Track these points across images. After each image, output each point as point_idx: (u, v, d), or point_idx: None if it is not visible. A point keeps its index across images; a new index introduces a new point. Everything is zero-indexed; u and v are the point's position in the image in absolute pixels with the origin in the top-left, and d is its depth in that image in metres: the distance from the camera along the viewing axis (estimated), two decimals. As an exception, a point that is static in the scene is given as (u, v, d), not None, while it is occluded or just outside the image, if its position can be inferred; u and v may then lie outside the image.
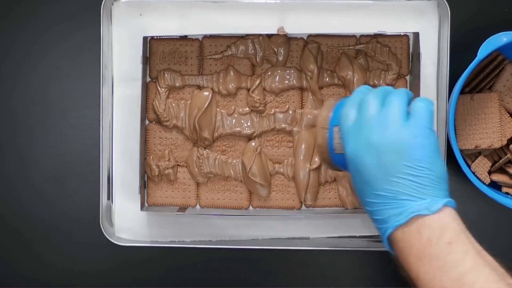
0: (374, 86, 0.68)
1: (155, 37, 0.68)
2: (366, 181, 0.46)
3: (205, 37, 0.68)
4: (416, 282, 0.44)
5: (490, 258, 0.45)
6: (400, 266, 0.46)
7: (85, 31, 0.70)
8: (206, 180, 0.68)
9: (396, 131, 0.45)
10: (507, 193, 0.67)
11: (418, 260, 0.44)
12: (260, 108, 0.67)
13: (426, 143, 0.45)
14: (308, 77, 0.67)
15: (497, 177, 0.67)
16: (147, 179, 0.69)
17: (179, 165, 0.68)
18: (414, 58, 0.67)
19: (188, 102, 0.67)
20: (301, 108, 0.68)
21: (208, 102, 0.67)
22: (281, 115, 0.68)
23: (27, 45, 0.71)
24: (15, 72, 0.71)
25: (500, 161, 0.67)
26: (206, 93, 0.67)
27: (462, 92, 0.68)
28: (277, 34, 0.67)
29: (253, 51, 0.68)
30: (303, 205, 0.69)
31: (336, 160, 0.51)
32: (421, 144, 0.45)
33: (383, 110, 0.46)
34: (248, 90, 0.68)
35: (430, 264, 0.43)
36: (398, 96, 0.47)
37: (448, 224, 0.45)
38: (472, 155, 0.69)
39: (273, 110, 0.68)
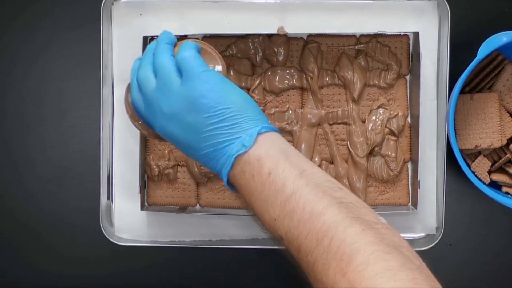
0: (374, 86, 0.68)
1: (155, 37, 0.68)
2: (186, 147, 0.47)
3: (205, 37, 0.68)
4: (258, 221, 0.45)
5: (317, 176, 0.44)
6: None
7: (85, 31, 0.70)
8: (206, 179, 0.68)
9: (177, 94, 0.46)
10: (507, 193, 0.67)
11: (251, 198, 0.45)
12: (260, 107, 0.67)
13: (206, 87, 0.46)
14: (308, 77, 0.67)
15: (497, 177, 0.67)
16: (147, 179, 0.69)
17: (179, 165, 0.68)
18: (414, 58, 0.67)
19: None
20: (301, 108, 0.68)
21: None
22: (281, 115, 0.68)
23: (27, 45, 0.71)
24: (15, 72, 0.71)
25: (500, 161, 0.67)
26: None
27: (462, 92, 0.68)
28: (277, 34, 0.67)
29: (253, 51, 0.68)
30: (303, 205, 0.69)
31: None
32: (202, 91, 0.45)
33: (157, 81, 0.48)
34: (248, 90, 0.68)
35: (259, 199, 0.44)
36: (163, 58, 0.48)
37: (265, 153, 0.45)
38: (472, 155, 0.69)
39: (273, 110, 0.68)
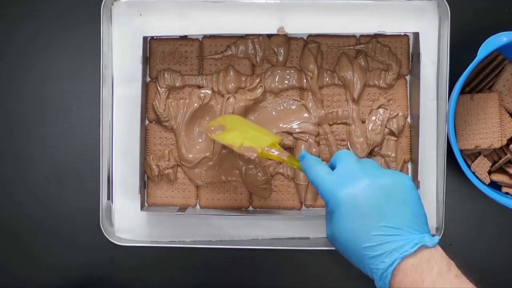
0: (374, 86, 0.68)
1: (155, 37, 0.68)
2: (370, 214, 0.47)
3: (205, 37, 0.68)
4: None
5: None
6: None
7: (85, 31, 0.70)
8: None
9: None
10: (507, 193, 0.67)
11: None
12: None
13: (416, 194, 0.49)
14: (308, 77, 0.67)
15: (497, 177, 0.67)
16: (147, 179, 0.69)
17: (179, 165, 0.68)
18: (414, 58, 0.67)
19: (187, 101, 0.67)
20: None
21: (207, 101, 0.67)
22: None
23: (27, 45, 0.71)
24: (15, 72, 0.71)
25: (500, 161, 0.67)
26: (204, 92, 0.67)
27: (462, 92, 0.68)
28: (277, 34, 0.67)
29: (253, 51, 0.68)
30: (303, 205, 0.69)
31: None
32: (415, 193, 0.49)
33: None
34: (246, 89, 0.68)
35: None
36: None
37: (448, 258, 0.47)
38: (472, 155, 0.69)
39: (273, 112, 0.68)
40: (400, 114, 0.67)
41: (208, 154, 0.67)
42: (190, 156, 0.67)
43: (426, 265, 0.45)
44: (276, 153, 0.57)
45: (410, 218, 0.47)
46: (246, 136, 0.60)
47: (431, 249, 0.46)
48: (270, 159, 0.64)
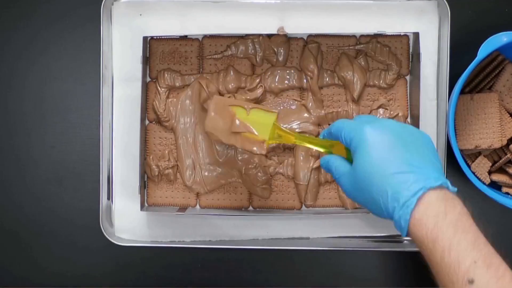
0: (374, 86, 0.68)
1: (155, 37, 0.68)
2: (396, 146, 0.47)
3: (205, 37, 0.68)
4: (438, 254, 0.44)
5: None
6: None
7: (85, 31, 0.70)
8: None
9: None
10: (507, 193, 0.67)
11: (453, 229, 0.44)
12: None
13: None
14: (308, 77, 0.67)
15: (497, 177, 0.67)
16: (147, 179, 0.69)
17: (179, 165, 0.68)
18: (414, 58, 0.67)
19: (189, 93, 0.67)
20: (301, 108, 0.68)
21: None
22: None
23: (27, 45, 0.71)
24: (15, 72, 0.71)
25: (500, 161, 0.67)
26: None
27: (462, 92, 0.68)
28: (277, 34, 0.67)
29: (253, 51, 0.68)
30: (303, 205, 0.69)
31: None
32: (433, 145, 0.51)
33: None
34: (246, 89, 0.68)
35: (464, 237, 0.44)
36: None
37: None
38: (472, 155, 0.69)
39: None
40: (400, 114, 0.67)
41: (223, 181, 0.68)
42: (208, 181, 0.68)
43: (450, 202, 0.45)
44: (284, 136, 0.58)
45: (433, 161, 0.48)
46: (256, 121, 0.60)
47: (451, 193, 0.47)
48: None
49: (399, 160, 0.46)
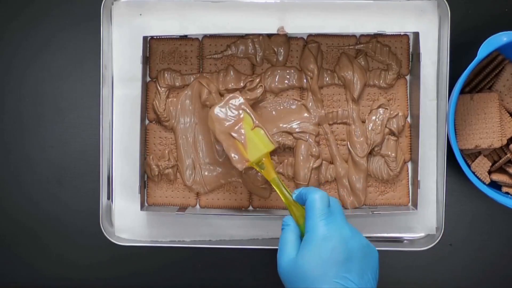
0: (374, 86, 0.68)
1: (155, 37, 0.68)
2: (337, 261, 0.49)
3: (205, 37, 0.68)
4: None
5: None
6: None
7: (85, 31, 0.70)
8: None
9: None
10: (507, 193, 0.67)
11: None
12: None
13: None
14: (308, 77, 0.67)
15: (497, 177, 0.67)
16: (147, 179, 0.69)
17: (179, 165, 0.68)
18: (414, 58, 0.67)
19: (188, 93, 0.68)
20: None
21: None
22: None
23: (27, 45, 0.71)
24: (15, 72, 0.71)
25: (500, 161, 0.67)
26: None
27: (462, 92, 0.68)
28: (277, 34, 0.67)
29: (253, 51, 0.68)
30: (303, 205, 0.69)
31: None
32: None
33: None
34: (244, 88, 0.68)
35: None
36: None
37: None
38: (472, 155, 0.69)
39: (273, 112, 0.68)
40: (400, 114, 0.67)
41: (223, 181, 0.68)
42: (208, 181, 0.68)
43: None
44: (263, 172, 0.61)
45: (369, 283, 0.49)
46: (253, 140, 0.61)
47: None
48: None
49: (337, 279, 0.48)
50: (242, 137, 0.61)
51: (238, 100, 0.62)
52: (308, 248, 0.49)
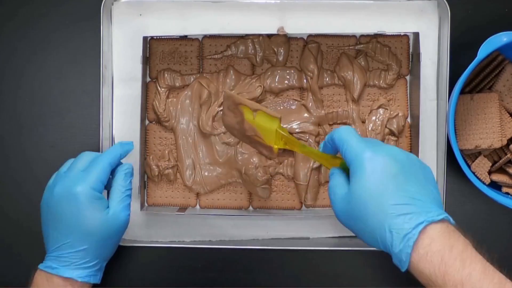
0: (374, 86, 0.68)
1: (155, 37, 0.68)
2: (397, 175, 0.46)
3: (205, 37, 0.68)
4: (459, 284, 0.43)
5: None
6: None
7: (85, 31, 0.70)
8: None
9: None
10: (507, 193, 0.67)
11: (460, 262, 0.43)
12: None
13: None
14: (308, 77, 0.67)
15: (497, 177, 0.67)
16: (147, 179, 0.69)
17: (179, 165, 0.68)
18: (414, 58, 0.67)
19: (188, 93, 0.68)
20: (301, 108, 0.68)
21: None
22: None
23: (27, 45, 0.71)
24: (15, 72, 0.71)
25: (500, 161, 0.67)
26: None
27: (462, 92, 0.68)
28: (277, 34, 0.67)
29: (253, 51, 0.68)
30: (303, 205, 0.69)
31: None
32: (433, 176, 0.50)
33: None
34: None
35: (473, 268, 0.43)
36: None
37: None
38: (472, 155, 0.69)
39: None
40: (400, 114, 0.67)
41: (223, 181, 0.68)
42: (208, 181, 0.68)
43: (452, 235, 0.44)
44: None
45: (434, 194, 0.47)
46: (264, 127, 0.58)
47: (452, 226, 0.45)
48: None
49: (400, 191, 0.45)
50: (253, 130, 0.58)
51: (226, 97, 0.60)
52: (358, 176, 0.46)
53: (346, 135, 0.50)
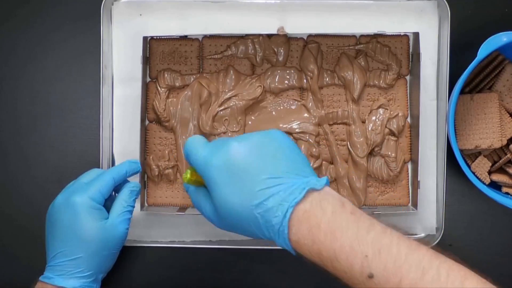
0: (374, 86, 0.68)
1: (155, 37, 0.68)
2: (247, 171, 0.45)
3: (205, 37, 0.68)
4: (330, 263, 0.43)
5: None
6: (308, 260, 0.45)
7: (85, 31, 0.70)
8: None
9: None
10: (507, 193, 0.67)
11: (331, 236, 0.42)
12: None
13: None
14: (308, 77, 0.67)
15: (497, 177, 0.67)
16: (147, 179, 0.69)
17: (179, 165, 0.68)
18: (414, 58, 0.67)
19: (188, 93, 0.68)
20: (301, 108, 0.68)
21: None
22: (281, 115, 0.68)
23: (26, 45, 0.71)
24: (14, 72, 0.71)
25: (500, 161, 0.67)
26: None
27: (462, 92, 0.68)
28: (277, 34, 0.67)
29: (253, 51, 0.68)
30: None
31: None
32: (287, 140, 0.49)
33: None
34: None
35: (345, 236, 0.42)
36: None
37: (340, 196, 0.45)
38: (472, 155, 0.69)
39: (273, 112, 0.68)
40: (400, 114, 0.67)
41: None
42: None
43: (319, 208, 0.43)
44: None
45: (288, 165, 0.45)
46: None
47: (320, 192, 0.44)
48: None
49: (257, 185, 0.44)
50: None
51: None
52: (212, 189, 0.46)
53: (188, 149, 0.50)
